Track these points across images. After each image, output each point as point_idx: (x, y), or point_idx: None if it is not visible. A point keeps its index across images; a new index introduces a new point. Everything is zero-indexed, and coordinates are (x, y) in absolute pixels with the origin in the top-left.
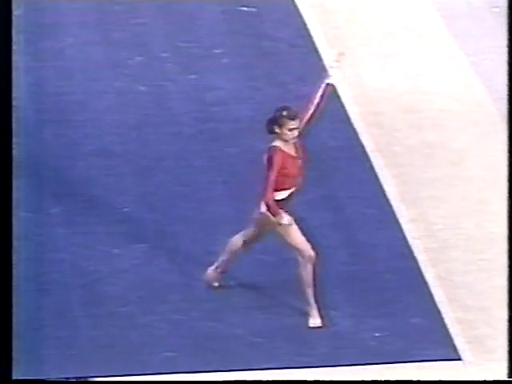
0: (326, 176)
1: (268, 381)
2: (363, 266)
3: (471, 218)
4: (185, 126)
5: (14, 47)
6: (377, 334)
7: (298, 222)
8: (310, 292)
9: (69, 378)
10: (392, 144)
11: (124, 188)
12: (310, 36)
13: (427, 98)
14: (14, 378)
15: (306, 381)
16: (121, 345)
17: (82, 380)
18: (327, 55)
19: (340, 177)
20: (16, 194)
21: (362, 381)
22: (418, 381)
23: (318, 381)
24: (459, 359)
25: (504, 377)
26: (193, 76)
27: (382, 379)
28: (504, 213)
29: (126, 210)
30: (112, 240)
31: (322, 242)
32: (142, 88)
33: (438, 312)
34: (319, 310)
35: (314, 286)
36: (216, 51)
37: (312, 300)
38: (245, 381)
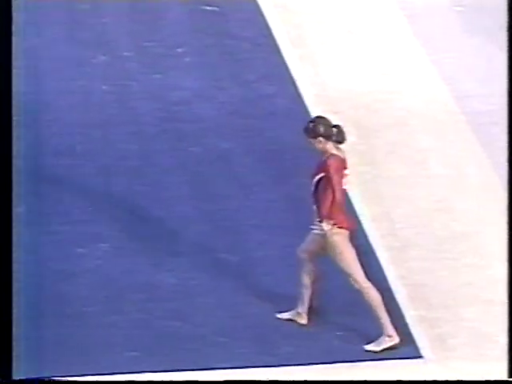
0: (288, 175)
1: (266, 381)
2: (326, 266)
3: (434, 217)
4: (149, 126)
5: None
6: (339, 333)
7: (259, 220)
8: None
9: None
10: (354, 143)
11: (88, 187)
12: (272, 35)
13: (389, 97)
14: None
15: (306, 381)
16: (85, 344)
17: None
18: (289, 54)
19: (302, 176)
20: None
21: (326, 381)
22: (416, 381)
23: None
24: (420, 357)
25: (467, 375)
26: (157, 75)
27: (344, 378)
28: (467, 211)
29: (90, 209)
30: (77, 239)
31: (283, 241)
32: (106, 87)
33: (400, 310)
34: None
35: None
36: (179, 50)
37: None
38: (242, 381)
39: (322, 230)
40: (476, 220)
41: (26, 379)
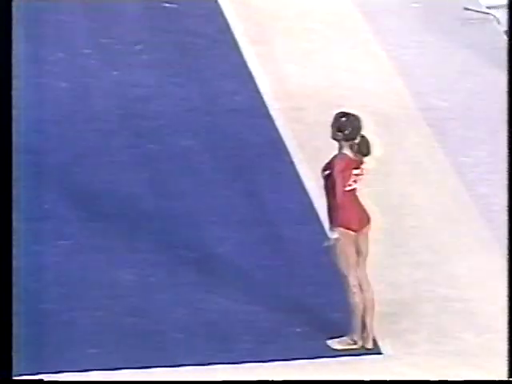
0: (248, 172)
1: (259, 381)
2: (285, 261)
3: (391, 212)
4: (107, 123)
5: None
6: (298, 330)
7: (219, 217)
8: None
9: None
10: (313, 139)
11: (46, 184)
12: (231, 32)
13: (347, 93)
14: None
15: (304, 381)
16: (43, 342)
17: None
18: (249, 51)
19: (261, 172)
20: None
21: (286, 381)
22: (414, 381)
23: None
24: (379, 353)
25: (427, 371)
26: (115, 72)
27: (302, 374)
28: (424, 207)
29: (47, 206)
30: (34, 237)
31: (243, 238)
32: (64, 84)
33: None
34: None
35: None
36: (138, 47)
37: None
38: (240, 381)
39: (329, 240)
40: (433, 216)
41: (26, 380)
